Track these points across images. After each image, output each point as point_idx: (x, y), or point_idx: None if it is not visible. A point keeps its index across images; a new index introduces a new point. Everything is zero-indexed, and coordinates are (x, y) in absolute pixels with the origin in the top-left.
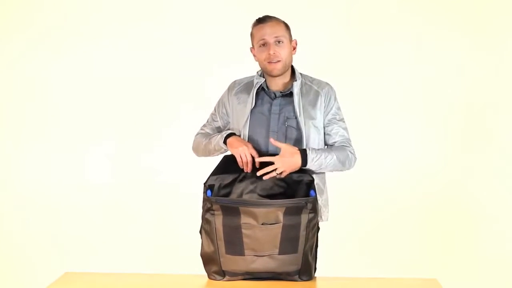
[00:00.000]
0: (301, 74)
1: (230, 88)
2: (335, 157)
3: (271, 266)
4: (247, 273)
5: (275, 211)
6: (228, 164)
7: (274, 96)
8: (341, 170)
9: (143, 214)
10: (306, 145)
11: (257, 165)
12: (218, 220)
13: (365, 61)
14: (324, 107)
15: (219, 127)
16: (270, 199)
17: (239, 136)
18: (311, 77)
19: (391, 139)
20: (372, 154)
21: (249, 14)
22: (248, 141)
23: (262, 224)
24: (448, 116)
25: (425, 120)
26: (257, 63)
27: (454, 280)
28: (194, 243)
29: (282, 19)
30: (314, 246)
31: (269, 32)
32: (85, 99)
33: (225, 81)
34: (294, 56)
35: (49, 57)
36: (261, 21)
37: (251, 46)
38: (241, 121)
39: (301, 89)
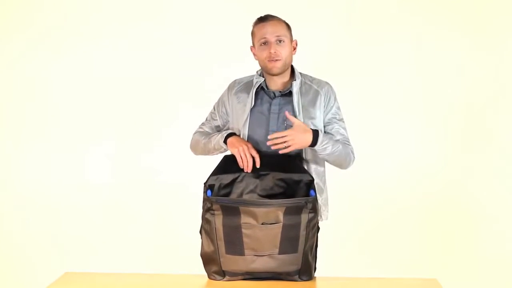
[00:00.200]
0: (300, 73)
1: (230, 88)
2: (340, 148)
3: (271, 266)
4: (247, 273)
5: (275, 211)
6: (228, 164)
7: (274, 95)
8: (340, 165)
9: (143, 214)
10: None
11: (257, 165)
12: (218, 220)
13: (365, 61)
14: (324, 106)
15: (218, 126)
16: (270, 199)
17: (239, 135)
18: (311, 77)
19: (391, 139)
20: (372, 154)
21: (249, 14)
22: (247, 140)
23: (262, 224)
24: (448, 116)
25: (425, 120)
26: (257, 62)
27: (454, 280)
28: (194, 243)
29: (283, 19)
30: (314, 246)
31: (270, 31)
32: (85, 99)
33: (225, 81)
34: (294, 56)
35: (49, 57)
36: (262, 19)
37: (251, 45)
38: (240, 121)
39: (300, 88)
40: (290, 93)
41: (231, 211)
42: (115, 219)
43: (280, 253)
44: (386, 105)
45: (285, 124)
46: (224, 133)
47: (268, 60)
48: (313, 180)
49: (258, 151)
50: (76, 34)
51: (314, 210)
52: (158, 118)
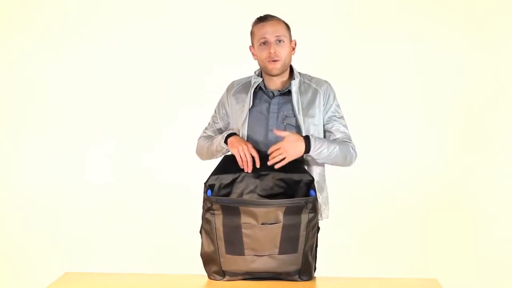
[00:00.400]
0: (299, 73)
1: (228, 89)
2: (337, 148)
3: (271, 266)
4: (247, 273)
5: (275, 211)
6: (228, 164)
7: (272, 95)
8: (341, 165)
9: (143, 214)
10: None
11: (257, 165)
12: (218, 220)
13: (364, 61)
14: (323, 105)
15: (220, 129)
16: (270, 199)
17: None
18: (309, 76)
19: (391, 138)
20: (372, 154)
21: (249, 14)
22: (247, 140)
23: (262, 224)
24: (448, 116)
25: (425, 120)
26: (256, 62)
27: (454, 280)
28: (194, 243)
29: (282, 19)
30: (314, 246)
31: (270, 31)
32: (85, 99)
33: (225, 81)
34: (293, 56)
35: (49, 57)
36: (262, 19)
37: (251, 45)
38: (239, 121)
39: (299, 87)
40: (289, 92)
41: (231, 211)
42: (115, 219)
43: (280, 253)
44: (386, 105)
45: (285, 124)
46: (225, 134)
47: (268, 61)
48: (313, 180)
49: (258, 151)
50: (76, 34)
51: (314, 210)
52: (158, 118)
